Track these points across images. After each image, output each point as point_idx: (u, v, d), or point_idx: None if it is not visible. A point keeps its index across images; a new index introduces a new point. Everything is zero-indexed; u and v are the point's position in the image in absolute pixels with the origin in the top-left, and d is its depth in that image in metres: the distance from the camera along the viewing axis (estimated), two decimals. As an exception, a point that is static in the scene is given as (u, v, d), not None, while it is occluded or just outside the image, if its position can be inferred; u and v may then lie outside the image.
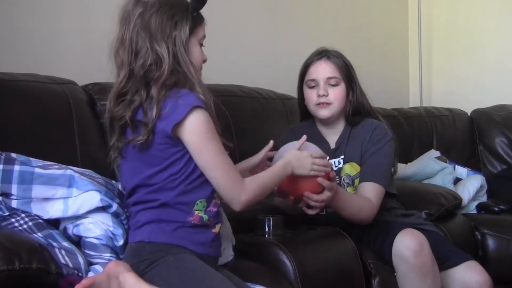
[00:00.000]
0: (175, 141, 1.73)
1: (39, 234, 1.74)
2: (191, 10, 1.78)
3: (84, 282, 1.58)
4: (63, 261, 1.68)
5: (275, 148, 2.17)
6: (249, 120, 2.81)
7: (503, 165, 3.65)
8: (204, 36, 1.83)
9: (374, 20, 4.04)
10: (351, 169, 2.38)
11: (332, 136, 2.45)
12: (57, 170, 1.84)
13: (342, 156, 2.40)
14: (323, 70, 2.39)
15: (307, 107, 2.46)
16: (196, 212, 1.77)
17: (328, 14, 3.75)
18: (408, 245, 2.13)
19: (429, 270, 2.13)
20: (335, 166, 2.38)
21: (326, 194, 2.08)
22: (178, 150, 1.75)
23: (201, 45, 1.83)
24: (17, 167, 1.80)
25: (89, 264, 1.79)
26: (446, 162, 3.31)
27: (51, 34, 2.54)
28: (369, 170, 2.33)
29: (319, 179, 2.02)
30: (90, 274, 1.73)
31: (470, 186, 3.21)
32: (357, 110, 2.42)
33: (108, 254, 1.81)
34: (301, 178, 1.99)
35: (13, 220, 1.77)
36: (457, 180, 3.26)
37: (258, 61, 3.32)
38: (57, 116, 2.19)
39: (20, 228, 1.75)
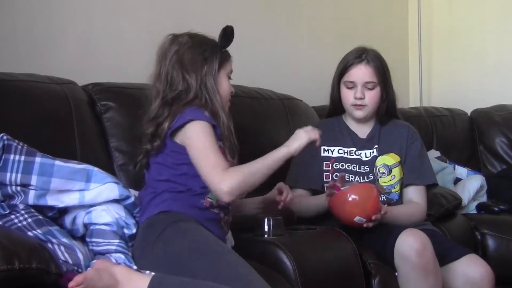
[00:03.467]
0: (181, 148, 1.94)
1: (38, 230, 1.75)
2: (220, 47, 2.03)
3: (76, 278, 1.62)
4: (62, 258, 1.70)
5: None
6: (249, 120, 2.81)
7: (503, 165, 3.65)
8: (232, 71, 2.08)
9: (374, 20, 4.04)
10: (389, 159, 2.51)
11: (362, 129, 2.56)
12: (76, 165, 1.90)
13: (376, 146, 2.51)
14: (362, 74, 2.48)
15: (339, 103, 2.56)
16: (209, 199, 1.96)
17: (327, 15, 3.75)
18: (411, 245, 2.14)
19: (432, 269, 2.14)
20: (366, 157, 2.50)
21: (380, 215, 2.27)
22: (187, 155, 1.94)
23: (229, 78, 2.07)
24: (38, 159, 1.86)
25: (96, 253, 1.83)
26: (446, 162, 3.31)
27: (51, 34, 2.54)
28: (412, 174, 2.50)
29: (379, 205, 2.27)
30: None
31: (470, 186, 3.21)
32: (387, 109, 2.55)
33: (117, 241, 1.86)
34: (365, 201, 2.22)
35: (12, 216, 1.78)
36: (457, 180, 3.26)
37: (258, 61, 3.32)
38: (57, 116, 2.20)
39: (19, 224, 1.75)
